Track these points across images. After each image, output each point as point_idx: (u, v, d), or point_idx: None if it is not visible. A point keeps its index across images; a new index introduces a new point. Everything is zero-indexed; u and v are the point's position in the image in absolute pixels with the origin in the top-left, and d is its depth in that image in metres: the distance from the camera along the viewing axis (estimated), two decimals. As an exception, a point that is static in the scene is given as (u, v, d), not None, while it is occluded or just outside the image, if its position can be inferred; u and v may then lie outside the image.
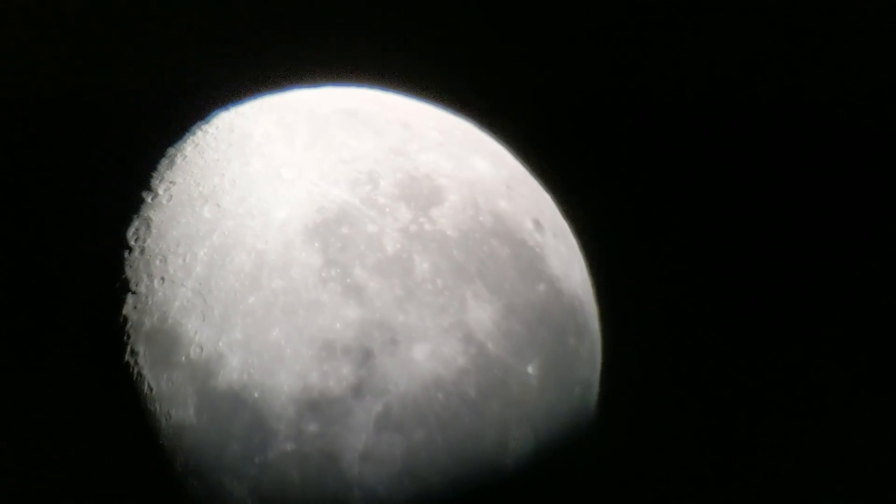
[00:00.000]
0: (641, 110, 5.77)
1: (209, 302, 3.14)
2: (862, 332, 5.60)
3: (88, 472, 3.34)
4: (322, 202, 3.28)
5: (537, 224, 3.69)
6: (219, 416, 3.06)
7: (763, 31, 5.81)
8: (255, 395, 3.05)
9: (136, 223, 3.45)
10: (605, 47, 5.82)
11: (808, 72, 5.82)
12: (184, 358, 3.12)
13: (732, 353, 5.50)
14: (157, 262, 3.30)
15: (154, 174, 3.59)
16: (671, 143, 5.79)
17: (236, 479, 3.07)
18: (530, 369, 3.35)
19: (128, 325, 3.25)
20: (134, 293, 3.29)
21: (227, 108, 3.77)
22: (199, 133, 3.68)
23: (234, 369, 3.07)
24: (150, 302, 3.24)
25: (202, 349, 3.10)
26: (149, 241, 3.37)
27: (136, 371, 3.18)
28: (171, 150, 3.68)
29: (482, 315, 3.27)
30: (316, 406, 3.04)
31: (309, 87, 3.91)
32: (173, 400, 3.11)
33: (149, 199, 3.49)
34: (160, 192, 3.49)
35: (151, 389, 3.14)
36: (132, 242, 3.40)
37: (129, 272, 3.34)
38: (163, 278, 3.25)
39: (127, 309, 3.28)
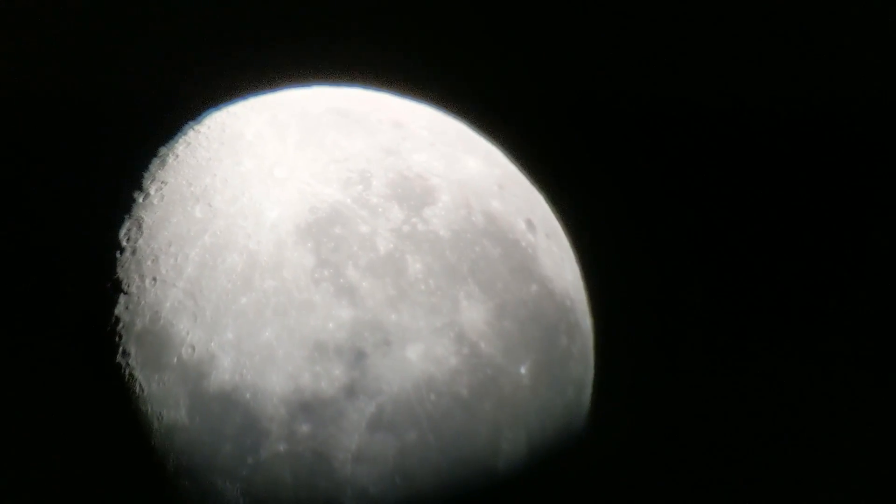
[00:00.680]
0: (633, 110, 5.78)
1: (200, 303, 3.14)
2: (856, 328, 5.63)
3: (79, 473, 3.33)
4: (314, 202, 3.28)
5: (529, 224, 3.70)
6: (211, 418, 3.05)
7: (753, 27, 5.82)
8: (247, 396, 3.04)
9: (127, 223, 3.44)
10: (596, 46, 5.83)
11: (800, 68, 5.84)
12: (175, 359, 3.11)
13: (726, 352, 5.51)
14: (149, 263, 3.29)
15: (145, 174, 3.58)
16: (664, 143, 5.80)
17: (228, 480, 3.06)
18: (523, 369, 3.36)
19: (119, 326, 3.24)
20: (125, 294, 3.28)
21: (218, 108, 3.76)
22: (191, 133, 3.67)
23: (225, 370, 3.06)
24: (141, 302, 3.23)
25: (194, 350, 3.10)
26: (140, 241, 3.36)
27: (127, 372, 3.17)
28: (162, 150, 3.67)
29: (475, 315, 3.27)
30: (308, 407, 3.04)
31: (300, 86, 3.90)
32: (165, 401, 3.10)
33: (140, 200, 3.48)
34: (152, 192, 3.48)
35: (143, 390, 3.13)
36: (124, 243, 3.39)
37: (120, 273, 3.33)
38: (154, 279, 3.24)
39: (118, 309, 3.27)
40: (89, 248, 3.55)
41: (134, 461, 3.18)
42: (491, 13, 5.94)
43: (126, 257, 3.35)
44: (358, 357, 3.09)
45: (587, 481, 3.94)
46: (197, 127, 3.69)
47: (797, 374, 5.51)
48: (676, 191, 5.76)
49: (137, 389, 3.14)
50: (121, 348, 3.20)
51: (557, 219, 3.99)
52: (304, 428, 3.04)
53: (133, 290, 3.27)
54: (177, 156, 3.58)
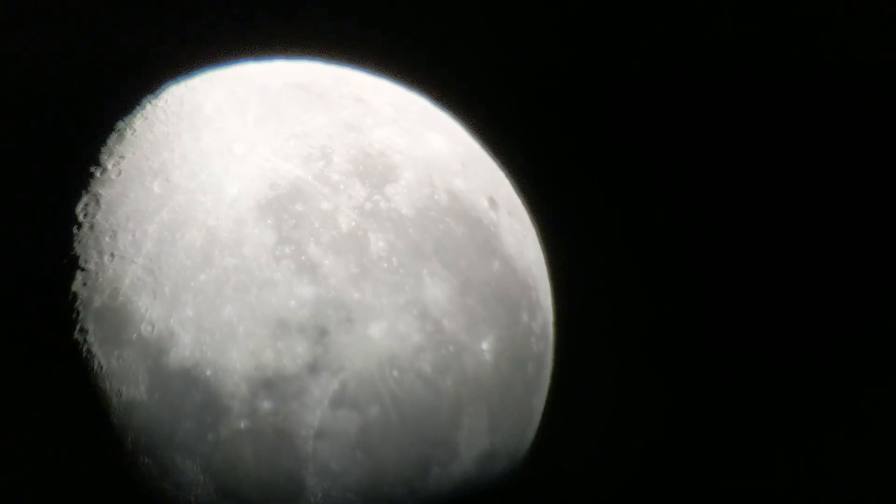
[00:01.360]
0: (597, 87, 5.79)
1: (160, 279, 3.11)
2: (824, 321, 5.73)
3: (37, 450, 3.29)
4: (274, 178, 3.25)
5: (492, 202, 3.71)
6: (170, 394, 3.04)
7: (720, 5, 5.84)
8: (208, 373, 3.03)
9: (84, 199, 3.38)
10: (560, 23, 5.82)
11: (774, 49, 5.87)
12: (135, 335, 3.08)
13: (684, 327, 5.59)
14: (107, 239, 3.24)
15: (103, 149, 3.52)
16: (626, 122, 5.83)
17: (189, 457, 3.05)
18: (485, 345, 3.38)
19: (77, 303, 3.19)
20: (83, 270, 3.23)
21: (176, 81, 3.70)
22: (149, 107, 3.61)
23: (185, 347, 3.04)
24: (99, 279, 3.19)
25: (153, 327, 3.07)
26: (98, 216, 3.30)
27: (85, 349, 3.14)
28: (120, 124, 3.60)
29: (437, 293, 3.29)
30: (270, 384, 3.04)
31: (260, 59, 3.85)
32: (124, 378, 3.08)
33: (97, 174, 3.42)
34: (109, 167, 3.42)
35: (101, 367, 3.10)
36: (81, 218, 3.34)
37: (78, 248, 3.28)
38: (112, 254, 3.20)
39: (76, 286, 3.22)
40: (46, 224, 3.48)
41: (93, 438, 3.15)
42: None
43: (84, 233, 3.30)
44: (321, 334, 3.08)
45: (546, 455, 3.99)
46: (155, 101, 3.63)
47: (757, 351, 5.61)
48: (638, 169, 5.80)
49: (96, 366, 3.10)
50: (78, 325, 3.16)
51: (520, 197, 4.00)
52: (266, 405, 3.03)
53: (91, 266, 3.22)
54: (134, 130, 3.52)
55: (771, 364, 5.58)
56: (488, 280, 3.47)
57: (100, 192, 3.36)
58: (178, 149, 3.36)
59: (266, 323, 3.06)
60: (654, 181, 5.80)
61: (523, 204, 3.99)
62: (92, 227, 3.29)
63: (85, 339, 3.14)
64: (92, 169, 3.45)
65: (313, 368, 3.07)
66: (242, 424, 3.02)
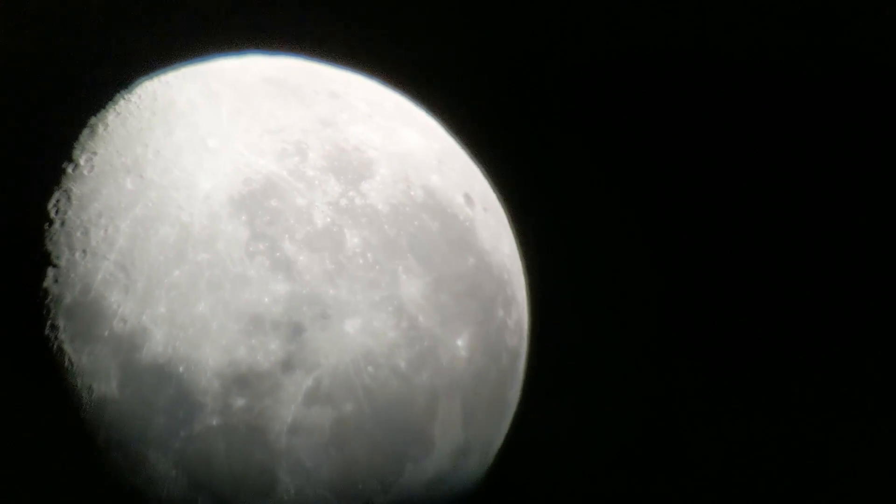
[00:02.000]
0: (571, 82, 5.82)
1: (132, 275, 3.09)
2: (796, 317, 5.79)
3: (6, 447, 3.26)
4: (248, 173, 3.24)
5: (468, 198, 3.72)
6: (143, 390, 3.02)
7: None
8: (180, 369, 3.01)
9: (56, 195, 3.35)
10: (534, 17, 5.85)
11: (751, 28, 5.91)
12: (106, 332, 3.06)
13: (660, 321, 5.63)
14: (79, 235, 3.21)
15: (75, 144, 3.49)
16: (602, 116, 5.86)
17: (161, 453, 3.04)
18: (459, 341, 3.39)
19: (48, 299, 3.17)
20: (55, 266, 3.20)
21: (149, 77, 3.67)
22: (122, 102, 3.58)
23: (158, 343, 3.02)
24: (71, 275, 3.16)
25: (125, 323, 3.05)
26: (70, 212, 3.28)
27: (56, 345, 3.11)
28: (92, 120, 3.57)
29: (413, 289, 3.29)
30: (243, 380, 3.03)
31: (234, 54, 3.84)
32: (95, 374, 3.05)
33: (69, 170, 3.39)
34: (81, 162, 3.39)
35: (72, 363, 3.08)
36: (52, 214, 3.31)
37: (49, 245, 3.25)
38: (84, 251, 3.18)
39: (47, 282, 3.19)
40: (16, 221, 3.45)
41: (64, 434, 3.13)
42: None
43: (55, 229, 3.27)
44: (295, 331, 3.08)
45: (520, 449, 4.01)
46: (127, 96, 3.60)
47: (736, 345, 5.66)
48: (614, 164, 5.83)
49: (66, 362, 3.08)
50: (49, 321, 3.13)
51: (495, 192, 4.02)
52: (239, 401, 3.03)
53: (62, 262, 3.19)
54: (107, 126, 3.49)
55: (748, 354, 5.64)
56: (463, 276, 3.48)
57: (71, 188, 3.33)
58: (151, 144, 3.34)
59: (239, 319, 3.05)
60: (630, 176, 5.84)
61: (498, 200, 4.01)
62: (63, 223, 3.26)
63: (56, 336, 3.11)
64: (63, 165, 3.42)
65: (287, 365, 3.06)
66: (215, 421, 3.01)
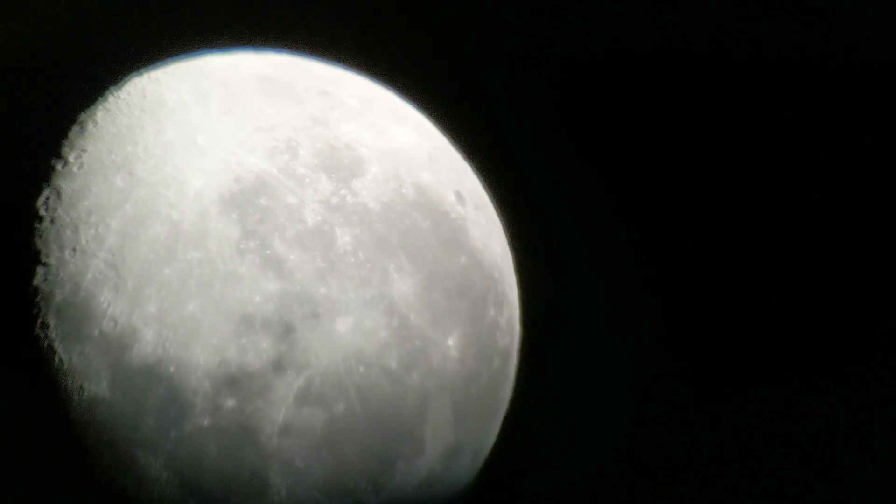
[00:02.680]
0: (563, 81, 5.81)
1: (122, 274, 3.07)
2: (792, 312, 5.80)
3: (-4, 448, 3.25)
4: (239, 171, 3.22)
5: (459, 196, 3.72)
6: (133, 391, 3.01)
7: None
8: (171, 369, 3.00)
9: (45, 192, 3.33)
10: (525, 15, 5.83)
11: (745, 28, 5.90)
12: (97, 331, 3.04)
13: (651, 320, 5.64)
14: (69, 233, 3.20)
15: (64, 141, 3.47)
16: (593, 115, 5.85)
17: (151, 453, 3.03)
18: (450, 340, 3.39)
19: (38, 298, 3.15)
20: (44, 265, 3.19)
21: (139, 74, 3.65)
22: (111, 99, 3.56)
23: (148, 343, 3.01)
24: (61, 274, 3.15)
25: (116, 322, 3.04)
26: (59, 210, 3.26)
27: (46, 344, 3.10)
28: (82, 117, 3.55)
29: (404, 287, 3.29)
30: (234, 380, 3.02)
31: (224, 51, 3.81)
32: (86, 374, 3.04)
33: (59, 168, 3.37)
34: (71, 159, 3.37)
35: (63, 363, 3.07)
36: (42, 212, 3.29)
37: (38, 243, 3.23)
38: (74, 249, 3.16)
39: (37, 280, 3.17)
40: (5, 219, 3.43)
41: (54, 435, 3.12)
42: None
43: (45, 227, 3.25)
44: (286, 330, 3.07)
45: (512, 449, 4.02)
46: (117, 93, 3.58)
47: (728, 346, 5.68)
48: (605, 162, 5.83)
49: (57, 362, 3.07)
50: (39, 320, 3.12)
51: (486, 190, 4.01)
52: (230, 402, 3.02)
53: (52, 260, 3.18)
54: (96, 123, 3.47)
55: (741, 355, 5.65)
56: (454, 274, 3.48)
57: (61, 185, 3.31)
58: (141, 142, 3.32)
59: (230, 318, 3.04)
60: (621, 175, 5.84)
61: (490, 198, 4.01)
62: (53, 221, 3.25)
63: (46, 335, 3.10)
64: (53, 162, 3.40)
65: (278, 365, 3.06)
66: (206, 421, 3.01)
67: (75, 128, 3.51)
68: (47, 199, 3.30)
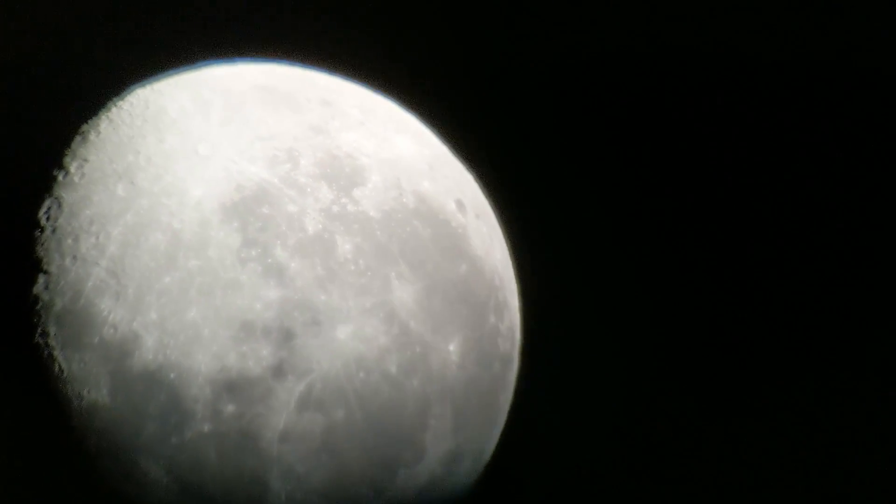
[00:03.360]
0: (564, 89, 5.83)
1: (123, 282, 3.08)
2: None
3: (-3, 455, 3.25)
4: (240, 180, 3.24)
5: (460, 204, 3.73)
6: (134, 397, 3.01)
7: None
8: (171, 376, 3.01)
9: (47, 202, 3.34)
10: (526, 24, 5.86)
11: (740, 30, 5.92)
12: (97, 339, 3.05)
13: (651, 327, 5.64)
14: (70, 242, 3.21)
15: (66, 151, 3.49)
16: (594, 123, 5.87)
17: (152, 460, 3.03)
18: (451, 347, 3.39)
19: (38, 306, 3.16)
20: (45, 273, 3.20)
21: (141, 84, 3.68)
22: (114, 109, 3.58)
23: (149, 350, 3.02)
24: (61, 282, 3.16)
25: (116, 330, 3.04)
26: (61, 219, 3.27)
27: (46, 352, 3.10)
28: (84, 127, 3.57)
29: (404, 295, 3.29)
30: (234, 387, 3.02)
31: (225, 62, 3.84)
32: (86, 381, 3.05)
33: (60, 177, 3.39)
34: (72, 169, 3.39)
35: (63, 371, 3.07)
36: (43, 221, 3.30)
37: (40, 252, 3.24)
38: (75, 258, 3.17)
39: (38, 289, 3.18)
40: (7, 228, 3.44)
41: (54, 442, 3.12)
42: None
43: (46, 236, 3.26)
44: (286, 337, 3.08)
45: (513, 455, 4.01)
46: (119, 103, 3.60)
47: (731, 352, 5.67)
48: (606, 171, 5.84)
49: (57, 370, 3.07)
50: (39, 328, 3.13)
51: (487, 199, 4.02)
52: (230, 408, 3.02)
53: (53, 269, 3.19)
54: (99, 133, 3.49)
55: (744, 363, 5.64)
56: (455, 282, 3.49)
57: (63, 195, 3.33)
58: (142, 151, 3.34)
59: (231, 325, 3.05)
60: (623, 183, 5.85)
61: (490, 206, 4.02)
62: (54, 230, 3.26)
63: (46, 343, 3.11)
64: (55, 172, 3.42)
65: (279, 371, 3.06)
66: (206, 427, 3.01)
67: (77, 138, 3.53)
68: (49, 208, 3.32)
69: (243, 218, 3.18)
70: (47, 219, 3.30)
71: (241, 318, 3.06)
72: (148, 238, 3.13)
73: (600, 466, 5.15)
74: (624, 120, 5.87)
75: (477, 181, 4.02)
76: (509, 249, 4.01)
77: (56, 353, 3.09)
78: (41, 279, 3.19)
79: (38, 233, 3.28)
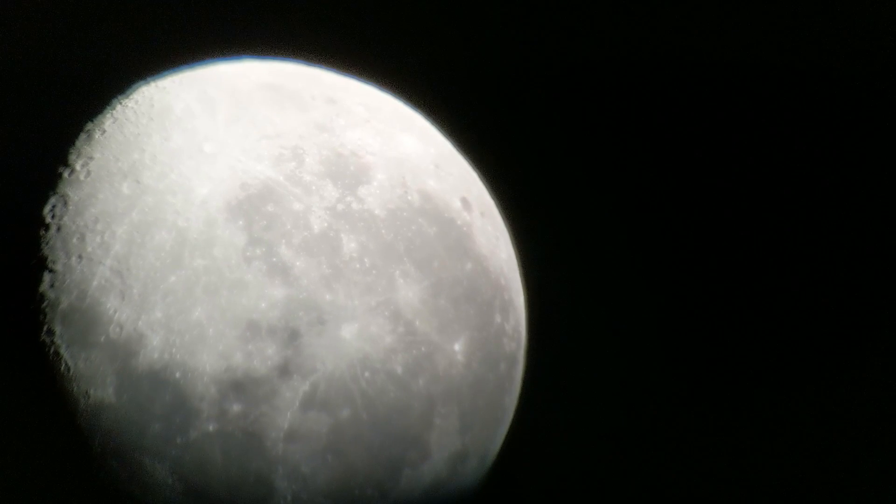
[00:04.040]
0: (569, 88, 5.82)
1: (128, 281, 3.08)
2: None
3: (2, 453, 3.25)
4: (245, 178, 3.23)
5: (465, 203, 3.72)
6: (139, 396, 3.01)
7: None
8: (177, 375, 3.00)
9: (52, 200, 3.34)
10: (531, 23, 5.85)
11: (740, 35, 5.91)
12: (103, 337, 3.05)
13: (657, 326, 5.63)
14: (75, 240, 3.21)
15: (71, 149, 3.48)
16: (600, 122, 5.86)
17: (157, 460, 3.03)
18: (457, 346, 3.38)
19: (44, 304, 3.16)
20: (51, 271, 3.19)
21: (147, 82, 3.67)
22: (119, 107, 3.57)
23: (154, 349, 3.02)
24: (67, 280, 3.15)
25: (122, 329, 3.04)
26: (66, 218, 3.27)
27: (52, 350, 3.10)
28: (89, 125, 3.57)
29: (410, 294, 3.28)
30: (240, 386, 3.02)
31: (230, 59, 3.83)
32: (92, 380, 3.05)
33: (66, 175, 3.39)
34: (78, 167, 3.39)
35: (69, 369, 3.07)
36: (49, 220, 3.30)
37: (45, 250, 3.24)
38: (80, 256, 3.17)
39: (43, 287, 3.18)
40: (13, 226, 3.44)
41: (60, 441, 3.12)
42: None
43: (51, 235, 3.26)
44: (292, 336, 3.07)
45: (518, 455, 4.01)
46: (125, 101, 3.59)
47: (736, 353, 5.66)
48: (612, 169, 5.84)
49: (63, 368, 3.07)
50: (45, 326, 3.13)
51: (492, 197, 4.01)
52: (236, 407, 3.02)
53: (58, 267, 3.19)
54: (104, 131, 3.49)
55: (748, 364, 5.64)
56: (461, 280, 3.48)
57: (68, 193, 3.33)
58: (147, 149, 3.33)
59: (236, 324, 3.04)
60: (628, 182, 5.84)
61: (496, 204, 4.01)
62: (60, 228, 3.26)
63: (52, 341, 3.11)
64: (60, 170, 3.42)
65: (284, 370, 3.05)
66: (212, 427, 3.00)
67: (82, 136, 3.53)
68: (54, 206, 3.32)
69: (248, 216, 3.17)
70: (52, 217, 3.30)
71: (247, 318, 3.05)
72: (153, 236, 3.13)
73: (605, 467, 5.14)
74: (631, 119, 5.86)
75: (482, 179, 4.02)
76: (515, 248, 4.00)
77: (62, 351, 3.09)
78: (47, 277, 3.19)
79: (43, 231, 3.28)
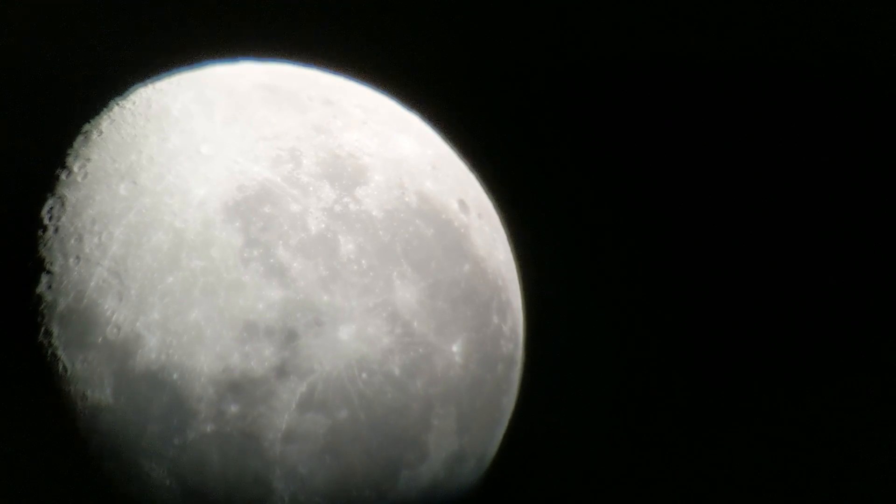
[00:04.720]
0: (566, 89, 5.83)
1: (126, 282, 3.08)
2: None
3: (0, 455, 3.25)
4: (242, 180, 3.23)
5: (462, 204, 3.72)
6: (136, 398, 3.01)
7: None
8: (174, 376, 3.00)
9: (50, 201, 3.34)
10: (528, 24, 5.86)
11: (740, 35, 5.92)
12: (100, 339, 3.05)
13: (654, 328, 5.64)
14: (72, 241, 3.21)
15: (69, 151, 3.48)
16: (596, 123, 5.87)
17: (155, 461, 3.03)
18: (454, 347, 3.38)
19: (41, 306, 3.16)
20: (48, 273, 3.19)
21: (144, 83, 3.67)
22: (116, 108, 3.58)
23: (152, 350, 3.01)
24: (64, 282, 3.15)
25: (119, 330, 3.04)
26: (63, 219, 3.27)
27: (49, 352, 3.10)
28: (86, 126, 3.57)
29: (407, 295, 3.29)
30: (237, 387, 3.02)
31: (228, 61, 3.84)
32: (89, 381, 3.04)
33: (63, 177, 3.39)
34: (75, 169, 3.39)
35: (66, 370, 3.07)
36: (46, 221, 3.30)
37: (42, 251, 3.24)
38: (78, 257, 3.17)
39: (41, 288, 3.18)
40: (10, 227, 3.44)
41: (57, 442, 3.12)
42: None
43: (49, 236, 3.26)
44: (289, 337, 3.07)
45: (515, 457, 4.01)
46: (122, 102, 3.60)
47: (733, 354, 5.67)
48: (609, 171, 5.84)
49: (60, 369, 3.07)
50: (43, 328, 3.12)
51: (489, 198, 4.02)
52: (233, 408, 3.02)
53: (56, 268, 3.19)
54: (101, 132, 3.49)
55: (745, 365, 5.65)
56: (458, 282, 3.48)
57: (65, 194, 3.33)
58: (145, 151, 3.33)
59: (234, 326, 3.04)
60: (625, 183, 5.85)
61: (493, 206, 4.01)
62: (57, 230, 3.26)
63: (49, 342, 3.11)
64: (57, 171, 3.42)
65: (281, 371, 3.05)
66: (209, 428, 3.00)
67: (80, 137, 3.53)
68: (51, 208, 3.32)
69: (246, 217, 3.18)
70: (50, 218, 3.30)
71: (244, 319, 3.05)
72: (150, 238, 3.13)
73: (603, 467, 5.15)
74: (628, 120, 5.86)
75: (479, 181, 4.02)
76: (512, 250, 4.00)
77: (59, 352, 3.09)
78: (44, 279, 3.19)
79: (41, 232, 3.28)
